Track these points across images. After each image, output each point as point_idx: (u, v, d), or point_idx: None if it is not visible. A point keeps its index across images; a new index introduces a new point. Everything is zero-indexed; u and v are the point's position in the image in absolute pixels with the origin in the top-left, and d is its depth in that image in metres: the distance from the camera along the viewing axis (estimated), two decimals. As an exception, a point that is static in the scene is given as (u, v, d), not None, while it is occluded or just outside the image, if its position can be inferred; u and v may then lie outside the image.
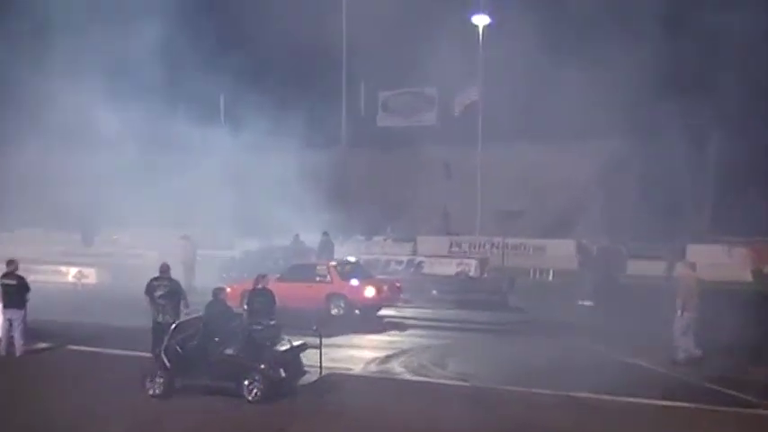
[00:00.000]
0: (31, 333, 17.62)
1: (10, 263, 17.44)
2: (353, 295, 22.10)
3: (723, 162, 34.44)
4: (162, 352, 14.25)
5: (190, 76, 33.15)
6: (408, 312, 23.45)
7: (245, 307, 16.41)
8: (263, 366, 13.88)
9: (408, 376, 15.93)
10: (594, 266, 25.61)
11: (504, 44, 33.47)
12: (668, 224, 31.74)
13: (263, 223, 31.53)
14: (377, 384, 15.31)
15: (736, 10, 27.68)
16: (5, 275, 17.32)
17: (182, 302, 16.13)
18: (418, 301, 25.02)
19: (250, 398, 13.69)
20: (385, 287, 22.85)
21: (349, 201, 36.64)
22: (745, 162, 32.23)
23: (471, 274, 30.71)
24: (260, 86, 36.41)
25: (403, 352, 17.99)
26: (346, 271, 23.03)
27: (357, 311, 22.18)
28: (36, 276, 23.23)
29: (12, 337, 17.28)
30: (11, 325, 17.21)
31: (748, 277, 27.91)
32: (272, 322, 15.18)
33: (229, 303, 16.01)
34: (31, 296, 17.32)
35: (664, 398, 13.67)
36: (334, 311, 21.98)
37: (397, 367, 16.61)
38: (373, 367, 16.74)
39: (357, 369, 16.54)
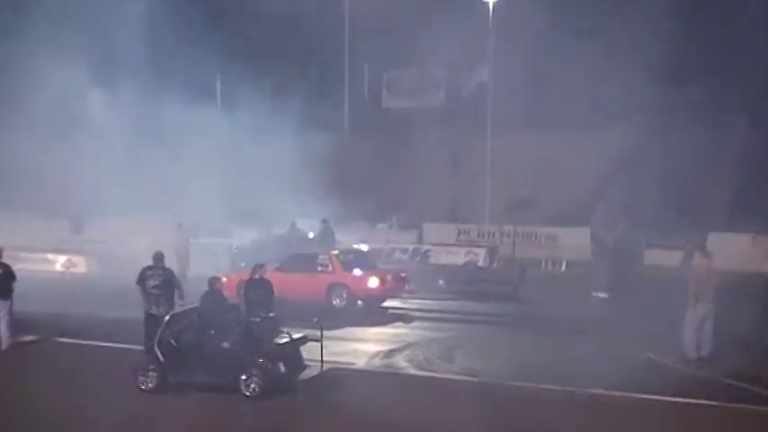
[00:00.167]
0: (18, 325, 17.68)
1: (-5, 251, 17.48)
2: (356, 286, 22.13)
3: (746, 149, 34.36)
4: (155, 345, 14.27)
5: (184, 56, 33.11)
6: (414, 304, 23.48)
7: (243, 297, 16.42)
8: (261, 360, 13.90)
9: (413, 371, 15.95)
10: (610, 257, 25.59)
11: (516, 22, 33.41)
12: (688, 213, 31.72)
13: (260, 210, 31.56)
14: (380, 379, 15.33)
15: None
16: (-9, 264, 17.37)
17: (176, 293, 16.13)
18: (424, 291, 25.06)
19: (248, 393, 13.71)
20: (389, 277, 22.87)
21: (351, 186, 36.63)
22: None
23: (480, 263, 30.77)
24: (258, 66, 36.41)
25: (408, 345, 18.02)
26: (349, 260, 23.06)
27: (360, 303, 22.22)
28: (23, 265, 23.32)
29: (-3, 328, 17.35)
30: (-4, 316, 17.28)
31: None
32: (271, 314, 15.20)
33: (225, 294, 16.02)
34: (17, 285, 17.37)
35: (679, 394, 13.68)
36: (335, 303, 22.02)
37: (401, 361, 16.64)
38: (377, 361, 16.76)
39: (360, 363, 16.56)
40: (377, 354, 17.32)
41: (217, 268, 23.49)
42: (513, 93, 36.70)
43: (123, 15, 31.51)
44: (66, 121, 33.01)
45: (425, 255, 32.50)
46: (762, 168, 32.43)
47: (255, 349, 14.07)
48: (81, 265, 31.14)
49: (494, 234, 36.22)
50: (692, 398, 13.55)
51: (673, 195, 33.31)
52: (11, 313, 17.32)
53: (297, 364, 14.68)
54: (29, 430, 12.35)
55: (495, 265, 30.80)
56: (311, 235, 28.54)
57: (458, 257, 31.57)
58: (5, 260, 17.48)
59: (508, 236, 34.82)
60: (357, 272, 22.46)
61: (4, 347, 17.28)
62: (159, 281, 16.07)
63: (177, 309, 15.36)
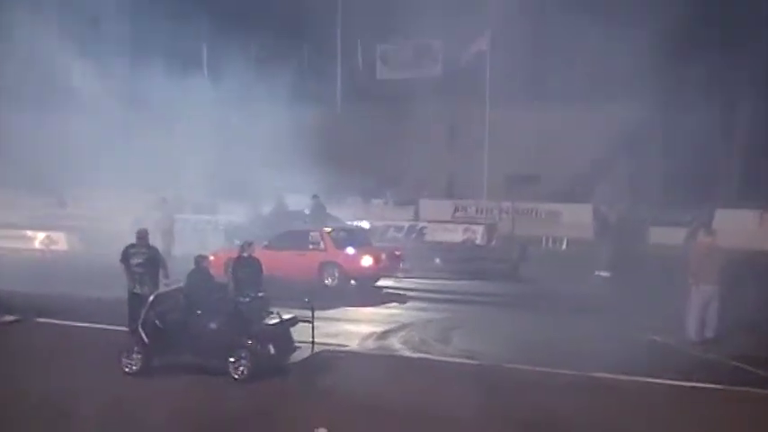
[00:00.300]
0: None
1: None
2: (349, 264, 22.16)
3: (756, 123, 34.34)
4: (139, 326, 14.29)
5: (170, 25, 32.90)
6: (409, 283, 23.54)
7: (231, 276, 16.42)
8: (250, 342, 13.93)
9: (408, 353, 16.01)
10: (613, 234, 25.63)
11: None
12: (695, 189, 31.74)
13: (249, 185, 31.49)
14: (374, 362, 15.38)
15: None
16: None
17: (161, 272, 16.16)
18: (420, 270, 25.12)
19: (236, 376, 13.75)
20: (383, 255, 22.90)
21: (345, 160, 36.53)
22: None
23: (478, 241, 30.80)
24: (246, 35, 36.17)
25: (403, 326, 18.08)
26: (341, 238, 23.06)
27: (353, 282, 22.27)
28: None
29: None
30: (-27, 296, 17.30)
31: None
32: (260, 294, 15.21)
33: (213, 273, 16.03)
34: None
35: (683, 377, 13.73)
36: (327, 282, 22.07)
37: (396, 343, 16.69)
38: (370, 343, 16.82)
39: (353, 345, 16.62)
40: (370, 335, 17.38)
41: (203, 246, 23.51)
42: (514, 63, 36.53)
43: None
44: (48, 91, 32.86)
45: (421, 232, 32.51)
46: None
47: (244, 330, 14.08)
48: (61, 243, 31.11)
49: (492, 210, 36.19)
50: (696, 381, 13.61)
51: (679, 171, 33.26)
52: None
53: (287, 345, 14.70)
54: (6, 416, 12.31)
55: (493, 243, 30.82)
56: (307, 211, 28.43)
57: (455, 235, 31.58)
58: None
59: (507, 212, 34.83)
60: (350, 250, 22.47)
61: (-19, 328, 17.30)
62: (143, 259, 16.09)
63: (162, 288, 15.38)
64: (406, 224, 33.71)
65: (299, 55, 43.34)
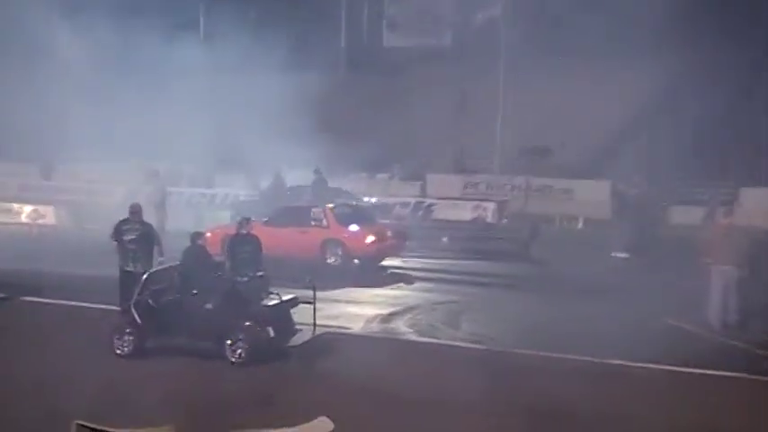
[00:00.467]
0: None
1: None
2: (352, 242, 22.23)
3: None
4: (131, 306, 14.38)
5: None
6: (415, 263, 23.61)
7: (228, 254, 16.48)
8: (248, 324, 14.01)
9: (414, 337, 16.13)
10: (631, 213, 25.66)
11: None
12: (719, 165, 31.69)
13: (245, 157, 31.49)
14: (378, 345, 15.47)
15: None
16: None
17: (155, 249, 16.21)
18: (427, 250, 25.19)
19: (233, 360, 13.84)
20: (389, 234, 22.95)
21: (348, 133, 36.49)
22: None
23: (488, 219, 30.78)
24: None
25: (409, 309, 18.19)
26: (345, 214, 23.10)
27: (356, 261, 22.34)
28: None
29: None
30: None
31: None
32: (259, 273, 15.29)
33: (209, 251, 16.09)
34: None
35: (702, 365, 13.77)
36: (330, 261, 22.15)
37: (401, 326, 16.80)
38: (374, 326, 16.92)
39: (356, 328, 16.73)
40: (375, 317, 17.48)
41: (199, 221, 23.60)
42: (528, 29, 36.43)
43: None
44: (32, 54, 32.81)
45: (429, 209, 32.52)
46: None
47: (242, 311, 14.16)
48: (49, 217, 31.20)
49: (504, 187, 36.18)
50: (715, 369, 13.64)
51: (703, 145, 33.19)
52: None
53: (287, 327, 14.79)
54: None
55: (505, 222, 30.83)
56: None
57: (464, 212, 31.55)
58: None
59: (520, 189, 34.85)
60: (354, 227, 22.53)
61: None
62: (137, 235, 16.14)
63: (156, 266, 15.45)
64: (413, 200, 33.69)
65: (302, 21, 43.16)
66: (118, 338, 14.29)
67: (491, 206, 31.76)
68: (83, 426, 7.71)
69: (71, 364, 13.63)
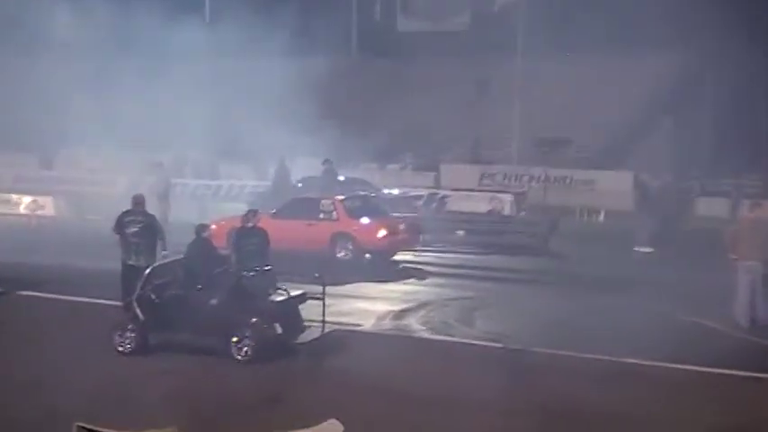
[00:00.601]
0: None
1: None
2: (363, 236, 22.24)
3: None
4: (134, 301, 14.42)
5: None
6: (429, 258, 23.62)
7: (234, 248, 16.50)
8: (254, 320, 14.02)
9: (428, 335, 16.12)
10: (655, 206, 25.63)
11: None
12: (747, 155, 31.60)
13: (251, 146, 31.53)
14: (390, 343, 15.47)
15: None
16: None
17: (158, 242, 16.24)
18: (441, 244, 25.18)
19: (239, 357, 13.85)
20: (401, 227, 22.96)
21: (359, 121, 36.54)
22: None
23: (505, 212, 30.76)
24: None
25: (422, 305, 18.19)
26: (356, 207, 23.11)
27: (368, 255, 22.35)
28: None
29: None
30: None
31: None
32: (266, 267, 15.31)
33: (215, 244, 16.12)
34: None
35: (728, 365, 13.66)
36: (340, 255, 22.15)
37: (414, 324, 16.80)
38: (386, 323, 16.93)
39: (367, 325, 16.73)
40: (386, 314, 17.49)
41: (204, 213, 23.66)
42: (548, 14, 36.37)
43: None
44: (30, 39, 32.93)
45: (443, 201, 32.51)
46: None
47: (248, 307, 14.18)
48: (49, 208, 31.31)
49: (522, 178, 36.18)
50: (742, 369, 13.53)
51: (730, 135, 33.12)
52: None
53: (295, 324, 14.79)
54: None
55: (522, 214, 30.82)
56: (342, 178, 28.46)
57: (480, 204, 31.53)
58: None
59: (539, 180, 34.84)
60: (365, 220, 22.54)
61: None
62: (139, 228, 16.15)
63: (160, 260, 15.49)
64: (426, 192, 33.67)
65: (311, 3, 43.21)
66: (119, 335, 14.31)
67: (508, 198, 31.74)
68: (83, 428, 7.73)
69: (71, 362, 13.64)
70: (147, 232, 16.17)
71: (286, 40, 33.25)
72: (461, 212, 30.21)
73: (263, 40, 32.10)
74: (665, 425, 11.51)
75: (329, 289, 15.27)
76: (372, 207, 23.88)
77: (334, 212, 22.60)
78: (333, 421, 9.02)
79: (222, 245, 17.79)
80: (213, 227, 17.78)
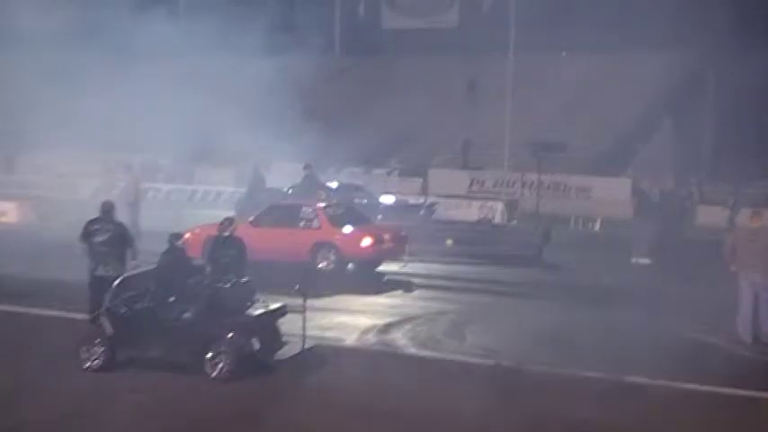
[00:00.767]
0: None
1: None
2: (346, 245, 22.23)
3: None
4: (102, 314, 14.37)
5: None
6: (416, 268, 23.61)
7: (209, 258, 16.48)
8: (230, 335, 13.99)
9: (414, 350, 16.10)
10: (654, 214, 25.71)
11: None
12: (751, 162, 31.75)
13: (230, 150, 31.53)
14: (375, 360, 15.45)
15: None
16: None
17: (128, 251, 16.19)
18: (428, 254, 25.17)
19: (214, 375, 13.81)
20: (386, 236, 22.96)
21: (343, 123, 36.58)
22: None
23: (496, 220, 30.88)
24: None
25: (408, 319, 18.17)
26: (338, 214, 23.11)
27: (350, 266, 22.35)
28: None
29: None
30: None
31: None
32: (244, 279, 15.29)
33: (189, 254, 16.10)
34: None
35: (731, 383, 13.74)
36: (322, 265, 22.13)
37: (400, 338, 16.78)
38: (370, 338, 16.91)
39: (350, 340, 16.72)
40: (371, 328, 17.46)
41: (177, 221, 23.58)
42: (540, 10, 36.47)
43: None
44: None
45: (430, 209, 32.54)
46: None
47: (224, 321, 14.13)
48: (11, 214, 31.17)
49: (514, 184, 36.28)
50: (744, 388, 13.59)
51: (732, 140, 33.29)
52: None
53: (274, 339, 14.76)
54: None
55: (514, 223, 30.90)
56: (335, 184, 28.40)
57: (470, 212, 31.64)
58: None
59: (531, 186, 34.89)
60: (348, 228, 22.53)
61: None
62: (108, 236, 16.06)
63: (130, 270, 15.44)
64: (413, 199, 33.69)
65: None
66: (86, 350, 14.23)
67: (499, 206, 31.84)
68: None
69: (33, 381, 13.57)
70: (116, 241, 16.09)
71: (265, 37, 33.24)
72: (450, 221, 30.28)
73: (240, 36, 32.07)
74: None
75: (310, 302, 15.19)
76: (356, 215, 23.87)
77: (316, 220, 22.60)
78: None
79: (197, 255, 17.77)
80: (187, 235, 17.71)
